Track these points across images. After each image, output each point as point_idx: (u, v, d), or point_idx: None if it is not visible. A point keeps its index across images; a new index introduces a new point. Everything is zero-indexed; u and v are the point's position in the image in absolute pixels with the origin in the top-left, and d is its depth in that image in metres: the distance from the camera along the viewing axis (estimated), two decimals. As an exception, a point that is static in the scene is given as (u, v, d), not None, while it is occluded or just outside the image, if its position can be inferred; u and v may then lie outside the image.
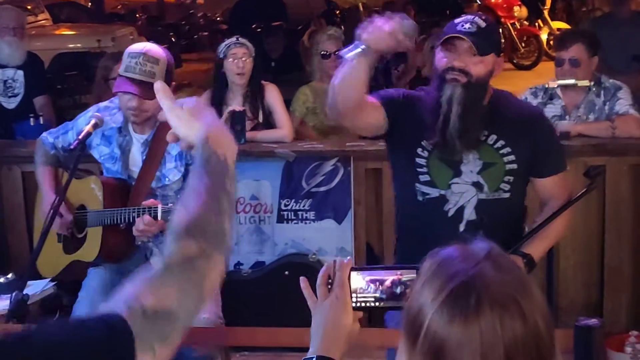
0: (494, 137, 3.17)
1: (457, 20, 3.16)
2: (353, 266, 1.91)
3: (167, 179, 3.80)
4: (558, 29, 14.56)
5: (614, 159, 4.71)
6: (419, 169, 3.18)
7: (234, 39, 5.21)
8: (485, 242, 1.47)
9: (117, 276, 3.88)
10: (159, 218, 3.42)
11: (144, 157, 3.83)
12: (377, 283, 1.89)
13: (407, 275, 1.87)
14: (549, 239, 3.26)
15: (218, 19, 19.70)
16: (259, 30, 9.05)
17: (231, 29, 10.51)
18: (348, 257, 1.94)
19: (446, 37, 3.10)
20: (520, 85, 7.19)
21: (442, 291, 1.38)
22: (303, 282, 1.95)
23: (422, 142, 3.17)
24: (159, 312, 1.47)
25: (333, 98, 3.03)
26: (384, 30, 2.86)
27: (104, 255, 3.82)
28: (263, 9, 9.95)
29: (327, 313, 1.86)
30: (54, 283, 3.64)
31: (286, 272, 4.88)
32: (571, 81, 4.78)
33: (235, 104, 5.08)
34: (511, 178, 3.19)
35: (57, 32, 12.08)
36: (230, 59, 5.11)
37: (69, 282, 4.08)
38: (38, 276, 3.74)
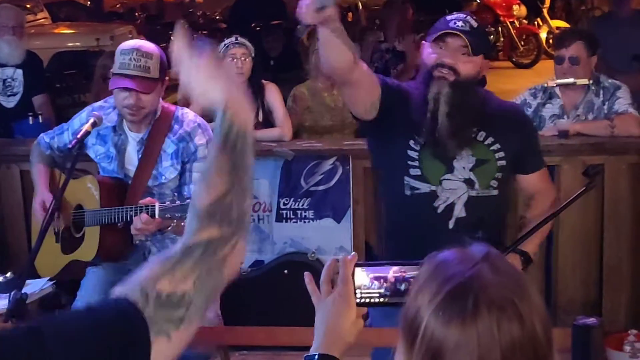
0: (483, 134, 3.17)
1: (449, 18, 3.14)
2: (357, 262, 1.90)
3: (163, 177, 3.80)
4: (557, 28, 14.58)
5: (612, 158, 4.71)
6: (410, 162, 3.13)
7: (232, 39, 5.20)
8: (483, 245, 1.47)
9: (116, 275, 3.88)
10: (157, 216, 3.42)
11: (140, 156, 3.83)
12: (382, 280, 1.89)
13: (411, 272, 1.87)
14: (541, 232, 3.28)
15: (217, 17, 19.70)
16: (258, 29, 9.05)
17: (230, 27, 10.51)
18: (353, 253, 1.92)
19: (441, 32, 3.08)
20: (519, 83, 7.21)
21: (439, 293, 1.38)
22: (307, 276, 1.94)
23: (415, 136, 3.13)
24: (174, 297, 1.46)
25: (323, 60, 2.97)
26: (304, 4, 2.71)
27: (102, 254, 3.82)
28: (262, 7, 9.95)
29: (330, 309, 1.85)
30: (52, 282, 3.65)
31: (285, 271, 4.88)
32: (570, 80, 4.78)
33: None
34: (500, 175, 3.19)
35: (56, 31, 12.07)
36: (229, 59, 5.10)
37: (68, 281, 4.08)
38: (37, 275, 3.74)
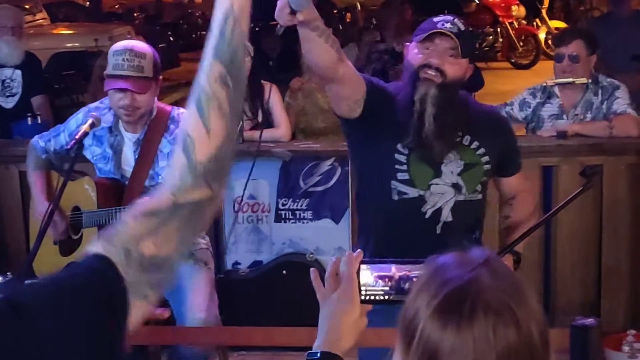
0: (468, 137, 3.13)
1: (436, 19, 3.09)
2: (362, 259, 1.90)
3: (160, 177, 3.80)
4: (556, 28, 14.59)
5: (611, 159, 4.71)
6: (397, 166, 3.07)
7: (231, 38, 5.19)
8: (482, 249, 1.47)
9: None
10: None
11: (137, 156, 3.83)
12: (386, 279, 1.89)
13: (415, 271, 1.87)
14: (527, 231, 3.28)
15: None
16: (257, 29, 9.06)
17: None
18: (358, 250, 1.90)
19: (430, 32, 3.02)
20: (518, 84, 7.21)
21: (436, 296, 1.38)
22: (313, 272, 1.93)
23: (402, 138, 3.07)
24: (157, 259, 1.43)
25: (306, 58, 2.95)
26: (278, 7, 2.69)
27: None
28: (261, 8, 9.93)
29: (335, 306, 1.85)
30: (51, 283, 3.64)
31: (284, 272, 4.88)
32: (569, 79, 4.79)
33: (234, 103, 5.07)
34: (485, 179, 3.18)
35: (54, 31, 12.07)
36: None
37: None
38: (35, 276, 3.73)
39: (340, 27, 12.93)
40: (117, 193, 3.81)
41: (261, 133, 3.86)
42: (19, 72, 5.99)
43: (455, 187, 3.09)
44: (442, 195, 3.08)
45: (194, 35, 19.24)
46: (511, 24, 15.66)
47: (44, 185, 3.99)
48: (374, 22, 10.43)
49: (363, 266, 1.88)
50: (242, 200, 4.79)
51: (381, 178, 3.11)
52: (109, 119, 3.86)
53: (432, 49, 3.03)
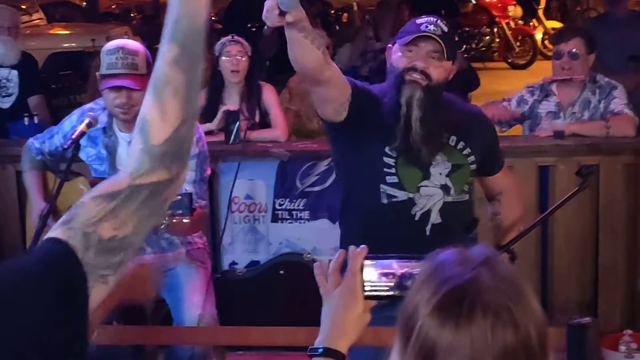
0: (454, 138, 3.13)
1: (419, 21, 3.07)
2: (367, 255, 1.89)
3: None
4: (553, 29, 14.59)
5: (607, 159, 4.71)
6: (386, 169, 3.06)
7: (229, 37, 5.21)
8: (484, 248, 1.46)
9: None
10: None
11: None
12: (390, 276, 1.89)
13: (417, 268, 1.87)
14: (517, 228, 3.31)
15: (213, 18, 19.70)
16: (253, 29, 9.05)
17: (226, 28, 10.52)
18: (362, 246, 1.90)
19: (415, 35, 3.00)
20: (515, 84, 7.21)
21: (436, 293, 1.38)
22: (317, 267, 1.93)
23: (389, 142, 3.05)
24: (115, 241, 1.43)
25: (292, 60, 2.86)
26: (266, 8, 2.66)
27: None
28: (258, 8, 9.93)
29: (338, 302, 1.85)
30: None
31: (281, 272, 4.87)
32: (567, 77, 4.80)
33: (232, 103, 5.08)
34: (471, 179, 3.19)
35: (51, 31, 12.07)
36: (225, 57, 5.10)
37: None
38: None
39: (338, 28, 12.93)
40: (112, 193, 3.81)
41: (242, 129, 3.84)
42: (15, 72, 5.99)
43: (444, 188, 3.09)
44: (431, 197, 3.08)
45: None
46: (508, 24, 15.66)
47: (40, 187, 4.00)
48: (369, 22, 10.44)
49: (367, 262, 1.89)
50: (231, 194, 4.78)
51: (370, 182, 3.09)
52: (103, 119, 3.86)
53: (416, 52, 3.01)
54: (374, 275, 1.89)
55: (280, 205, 4.96)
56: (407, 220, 3.07)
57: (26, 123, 5.71)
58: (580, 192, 3.32)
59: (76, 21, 14.66)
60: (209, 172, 3.97)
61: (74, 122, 3.88)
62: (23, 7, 12.01)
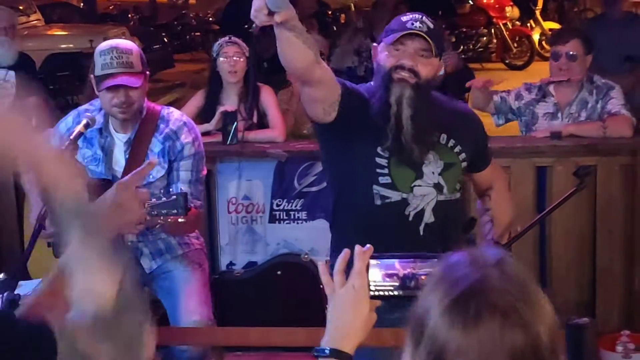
0: (444, 136, 3.11)
1: (404, 18, 3.04)
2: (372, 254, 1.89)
3: (151, 176, 3.79)
4: (550, 30, 14.62)
5: (605, 159, 4.72)
6: (379, 170, 3.03)
7: (226, 38, 5.21)
8: (497, 249, 1.46)
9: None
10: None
11: (127, 157, 3.83)
12: (394, 277, 1.89)
13: (421, 269, 1.88)
14: (508, 222, 3.31)
15: (210, 19, 19.70)
16: (250, 30, 9.03)
17: (223, 29, 10.51)
18: (368, 245, 1.89)
19: (402, 34, 2.96)
20: (512, 85, 7.20)
21: (446, 295, 1.38)
22: (322, 267, 1.92)
23: (381, 142, 3.02)
24: None
25: (282, 60, 2.83)
26: (255, 7, 2.63)
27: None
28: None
29: (344, 301, 1.84)
30: (45, 283, 3.64)
31: (278, 272, 4.87)
32: (564, 78, 4.81)
33: (230, 103, 5.08)
34: (462, 177, 3.18)
35: (49, 32, 12.08)
36: (222, 58, 5.11)
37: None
38: (30, 277, 3.73)
39: (335, 29, 12.94)
40: (108, 194, 3.80)
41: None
42: (12, 72, 5.98)
43: (437, 187, 3.07)
44: (424, 196, 3.06)
45: (188, 37, 19.25)
46: (505, 25, 15.69)
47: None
48: (364, 22, 10.44)
49: (372, 261, 1.88)
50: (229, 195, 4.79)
51: (362, 183, 3.06)
52: (99, 120, 3.85)
53: (403, 50, 2.99)
54: (379, 276, 1.89)
55: (278, 205, 4.96)
56: (400, 220, 3.05)
57: (24, 124, 5.71)
58: (578, 192, 3.32)
59: (74, 22, 14.67)
60: (204, 172, 3.97)
61: (70, 124, 3.88)
62: (21, 7, 12.01)
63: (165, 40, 15.95)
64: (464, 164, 3.14)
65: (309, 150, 4.95)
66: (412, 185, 3.04)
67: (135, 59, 3.72)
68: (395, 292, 1.89)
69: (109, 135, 3.88)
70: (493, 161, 3.36)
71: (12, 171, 3.00)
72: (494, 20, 15.69)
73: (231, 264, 4.99)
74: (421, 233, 3.06)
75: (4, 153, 1.47)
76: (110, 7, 21.78)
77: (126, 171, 3.80)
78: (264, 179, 4.93)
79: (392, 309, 1.97)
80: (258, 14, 2.60)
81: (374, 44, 3.15)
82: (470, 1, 16.31)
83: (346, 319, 1.83)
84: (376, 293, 1.88)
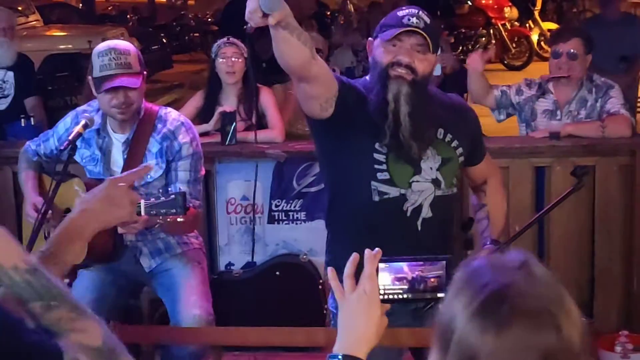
0: (442, 131, 3.10)
1: (400, 13, 2.99)
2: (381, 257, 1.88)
3: (149, 176, 3.80)
4: (549, 30, 14.63)
5: (603, 160, 4.72)
6: (377, 166, 3.01)
7: (225, 39, 5.21)
8: (519, 252, 1.45)
9: (108, 276, 3.89)
10: (143, 214, 3.41)
11: (125, 157, 3.84)
12: (403, 280, 1.90)
13: (429, 271, 1.88)
14: (503, 218, 3.34)
15: (209, 20, 19.70)
16: (245, 29, 9.01)
17: (222, 30, 10.52)
18: (377, 249, 1.87)
19: (399, 31, 2.93)
20: (510, 86, 7.21)
21: (473, 300, 1.37)
22: (330, 272, 1.90)
23: (379, 138, 3.01)
24: None
25: (278, 58, 2.83)
26: (248, 9, 2.62)
27: (92, 256, 3.80)
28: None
29: (356, 306, 1.82)
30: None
31: (277, 273, 4.87)
32: (564, 75, 4.81)
33: (229, 104, 5.08)
34: (458, 172, 3.18)
35: (48, 33, 12.08)
36: (221, 59, 5.11)
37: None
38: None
39: (333, 29, 12.94)
40: (107, 194, 3.81)
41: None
42: (11, 73, 6.00)
43: (435, 182, 3.06)
44: (422, 192, 3.05)
45: (186, 37, 19.24)
46: (504, 25, 15.69)
47: (35, 184, 4.00)
48: (359, 23, 10.47)
49: (381, 265, 1.87)
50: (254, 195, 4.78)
51: (360, 179, 3.05)
52: (97, 120, 3.86)
53: (400, 46, 2.96)
54: (388, 280, 1.89)
55: (277, 206, 4.96)
56: (398, 216, 3.04)
57: (22, 125, 5.71)
58: (575, 192, 3.32)
59: (72, 23, 14.66)
60: (203, 172, 3.97)
61: (68, 125, 3.89)
62: (19, 8, 12.00)
63: (164, 41, 15.93)
64: (461, 158, 3.14)
65: (308, 150, 4.95)
66: (411, 181, 3.04)
67: (133, 59, 3.73)
68: (405, 296, 1.89)
69: (107, 136, 3.88)
70: (487, 155, 3.36)
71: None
72: (493, 20, 15.69)
73: (230, 264, 5.00)
74: (419, 228, 3.06)
75: None
76: (109, 8, 21.76)
77: (124, 171, 3.81)
78: (263, 179, 4.93)
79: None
80: (252, 16, 2.59)
81: (369, 39, 3.14)
82: (469, 2, 16.31)
83: (358, 324, 1.81)
84: (386, 297, 1.88)
